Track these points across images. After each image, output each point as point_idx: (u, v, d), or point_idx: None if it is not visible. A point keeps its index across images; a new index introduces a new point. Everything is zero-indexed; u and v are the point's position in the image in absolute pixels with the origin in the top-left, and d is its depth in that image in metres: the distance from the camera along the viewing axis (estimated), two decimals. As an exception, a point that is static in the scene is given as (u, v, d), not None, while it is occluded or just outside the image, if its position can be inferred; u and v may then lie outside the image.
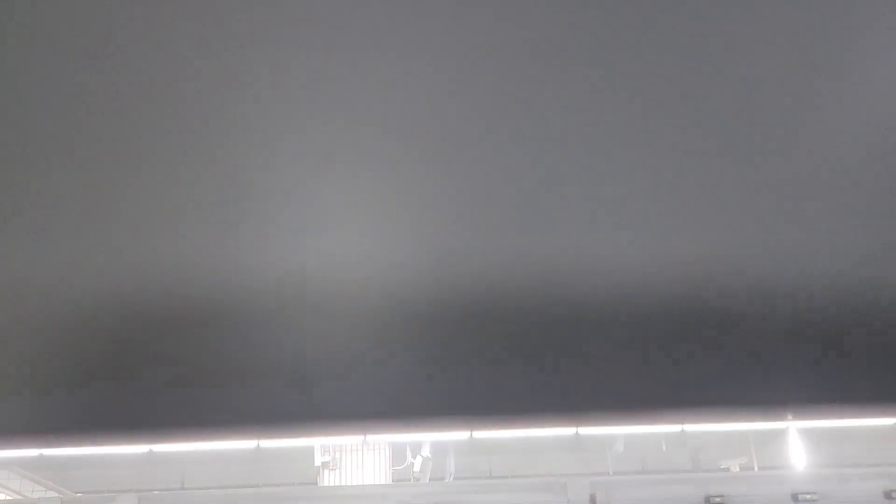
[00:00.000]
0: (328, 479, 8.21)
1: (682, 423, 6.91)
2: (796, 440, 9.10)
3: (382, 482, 8.11)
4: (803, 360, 1.11)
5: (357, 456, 8.33)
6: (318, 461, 8.17)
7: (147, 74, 0.89)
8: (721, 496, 5.81)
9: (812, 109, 0.96)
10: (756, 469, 9.52)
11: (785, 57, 0.91)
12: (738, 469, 9.54)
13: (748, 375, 1.11)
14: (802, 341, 1.11)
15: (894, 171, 1.01)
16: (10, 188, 0.97)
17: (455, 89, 0.92)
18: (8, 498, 8.66)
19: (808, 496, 5.78)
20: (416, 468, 8.37)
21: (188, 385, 1.08)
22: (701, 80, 0.93)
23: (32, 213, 0.99)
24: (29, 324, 1.07)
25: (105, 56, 0.88)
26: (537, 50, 0.90)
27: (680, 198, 1.01)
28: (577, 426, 6.95)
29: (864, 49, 0.92)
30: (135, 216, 0.99)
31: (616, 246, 1.05)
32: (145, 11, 0.86)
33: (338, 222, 1.02)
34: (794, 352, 1.11)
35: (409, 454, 8.53)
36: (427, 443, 8.38)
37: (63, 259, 1.03)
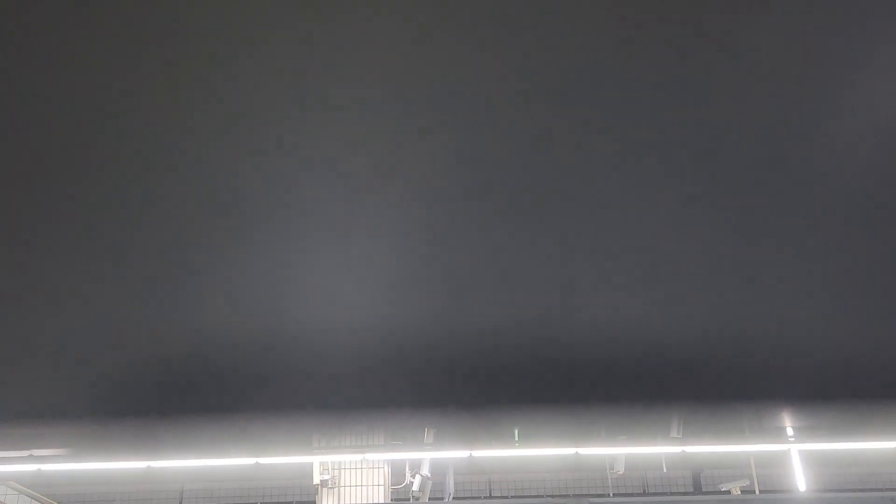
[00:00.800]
0: (326, 498, 8.16)
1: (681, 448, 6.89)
2: (798, 463, 9.03)
3: (381, 501, 8.05)
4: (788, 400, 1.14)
5: (356, 474, 8.28)
6: (316, 479, 8.12)
7: (156, 182, 0.96)
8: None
9: (804, 185, 0.98)
10: (757, 492, 9.45)
11: (775, 142, 0.93)
12: (739, 492, 9.46)
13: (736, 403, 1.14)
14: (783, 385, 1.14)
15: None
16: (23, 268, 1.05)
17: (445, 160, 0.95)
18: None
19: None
20: (415, 487, 8.31)
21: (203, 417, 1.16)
22: (685, 151, 0.95)
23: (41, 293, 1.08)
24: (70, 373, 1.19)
25: (126, 150, 0.94)
26: (536, 118, 0.92)
27: (665, 272, 1.06)
28: (576, 448, 6.91)
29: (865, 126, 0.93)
30: (159, 291, 1.07)
31: (598, 310, 1.09)
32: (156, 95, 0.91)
33: (339, 292, 1.08)
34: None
35: (407, 473, 8.48)
36: (426, 461, 8.33)
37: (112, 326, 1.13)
